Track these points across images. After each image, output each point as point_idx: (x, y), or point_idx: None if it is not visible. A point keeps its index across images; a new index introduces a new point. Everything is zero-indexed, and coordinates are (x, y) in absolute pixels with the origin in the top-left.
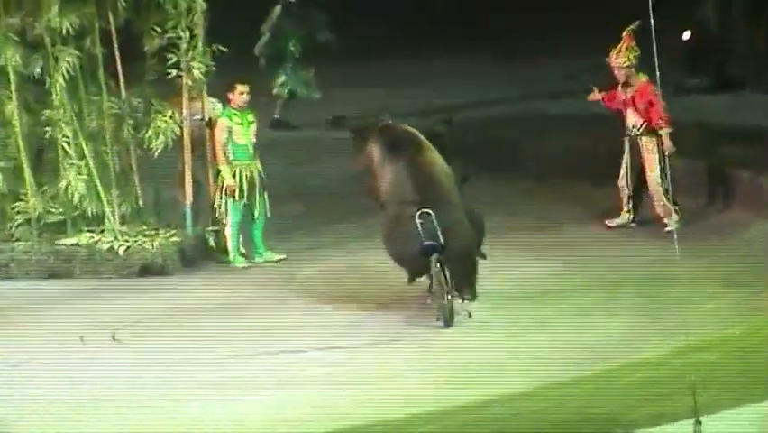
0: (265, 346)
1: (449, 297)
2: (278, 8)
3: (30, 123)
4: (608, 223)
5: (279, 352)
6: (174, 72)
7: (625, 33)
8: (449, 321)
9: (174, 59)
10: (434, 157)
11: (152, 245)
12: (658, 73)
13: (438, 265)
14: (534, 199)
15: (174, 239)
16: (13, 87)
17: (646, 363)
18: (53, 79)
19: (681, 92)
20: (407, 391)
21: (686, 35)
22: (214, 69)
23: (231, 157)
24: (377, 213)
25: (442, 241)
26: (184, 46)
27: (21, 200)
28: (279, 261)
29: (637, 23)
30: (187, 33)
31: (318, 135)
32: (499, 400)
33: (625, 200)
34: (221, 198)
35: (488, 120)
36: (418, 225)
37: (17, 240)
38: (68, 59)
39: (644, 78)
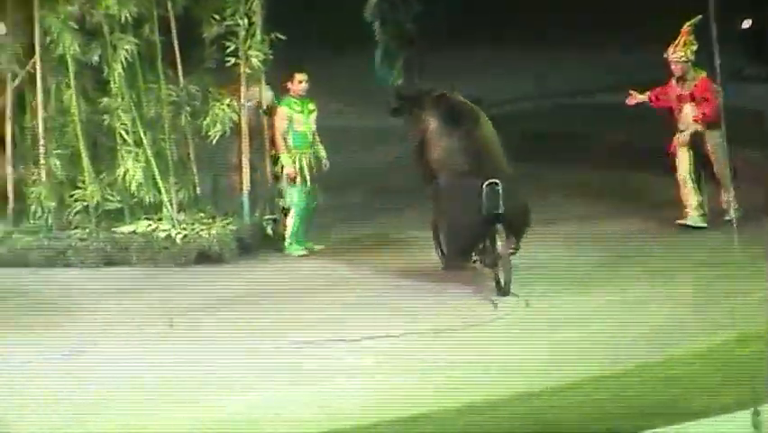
0: (320, 335)
1: (506, 266)
2: None
3: (88, 110)
4: (680, 222)
5: (333, 340)
6: (232, 60)
7: (684, 28)
8: (507, 290)
9: (232, 47)
10: (491, 129)
11: (209, 233)
12: (718, 62)
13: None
14: (589, 190)
15: (231, 227)
16: (71, 75)
17: (701, 353)
18: (111, 67)
19: (739, 80)
20: (457, 381)
21: (746, 23)
22: (271, 56)
23: (290, 144)
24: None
25: (502, 210)
26: (242, 34)
27: (78, 188)
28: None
29: (698, 17)
30: (246, 21)
31: None
32: (549, 392)
33: (692, 196)
34: (284, 185)
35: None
36: (483, 196)
37: (75, 228)
38: (127, 46)
39: (702, 73)
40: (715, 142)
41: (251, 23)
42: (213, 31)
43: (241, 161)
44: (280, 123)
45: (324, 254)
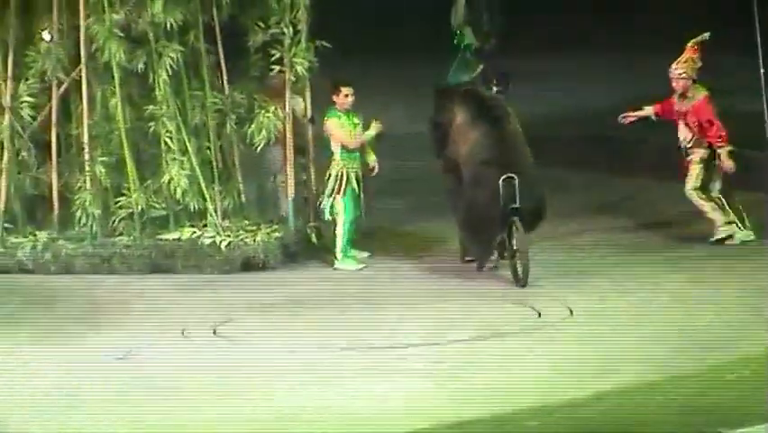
0: (366, 340)
1: (524, 257)
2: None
3: (133, 118)
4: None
5: (380, 346)
6: (277, 68)
7: (689, 45)
8: (525, 282)
9: (277, 55)
10: (516, 125)
11: (254, 240)
12: (762, 71)
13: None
14: (640, 197)
15: (276, 234)
16: (116, 83)
17: (750, 359)
18: (157, 75)
19: None
20: (509, 385)
21: None
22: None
23: (337, 158)
24: None
25: (518, 204)
26: (287, 42)
27: (124, 195)
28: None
29: (706, 35)
30: (291, 29)
31: None
32: (602, 397)
33: (714, 212)
34: (333, 195)
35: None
36: (501, 189)
37: (120, 234)
38: (172, 54)
39: (703, 93)
40: (695, 160)
41: (296, 32)
42: (258, 38)
43: (286, 168)
44: (339, 131)
45: (374, 262)
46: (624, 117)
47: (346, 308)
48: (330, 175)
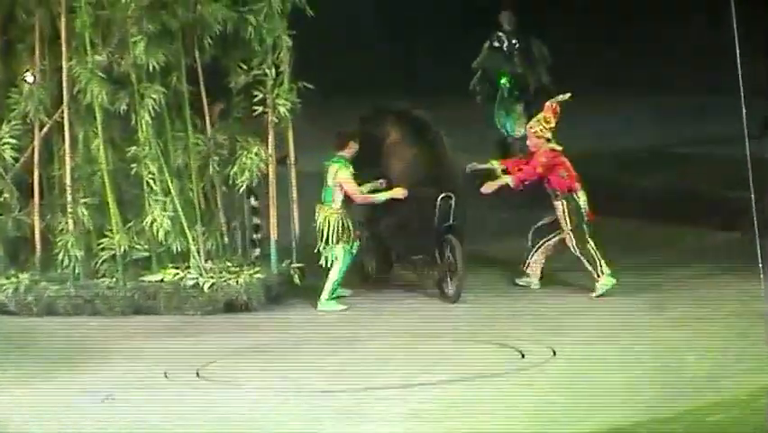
0: (347, 382)
1: (461, 275)
2: (486, 45)
3: (115, 159)
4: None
5: (361, 388)
6: (260, 109)
7: (548, 103)
8: (457, 298)
9: (260, 96)
10: (447, 145)
11: (237, 282)
12: (744, 111)
13: (446, 244)
14: (630, 239)
15: (259, 276)
16: (99, 124)
17: (733, 401)
18: (139, 116)
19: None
20: (492, 429)
21: None
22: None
23: (338, 206)
24: None
25: (453, 222)
26: (270, 83)
27: (106, 237)
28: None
29: (567, 95)
30: (273, 70)
31: None
32: None
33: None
34: (335, 243)
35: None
36: (437, 207)
37: (102, 276)
38: (154, 95)
39: (548, 146)
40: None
41: (278, 73)
42: (240, 80)
43: (269, 210)
44: (352, 185)
45: (348, 302)
46: (472, 168)
47: (327, 350)
48: (329, 223)
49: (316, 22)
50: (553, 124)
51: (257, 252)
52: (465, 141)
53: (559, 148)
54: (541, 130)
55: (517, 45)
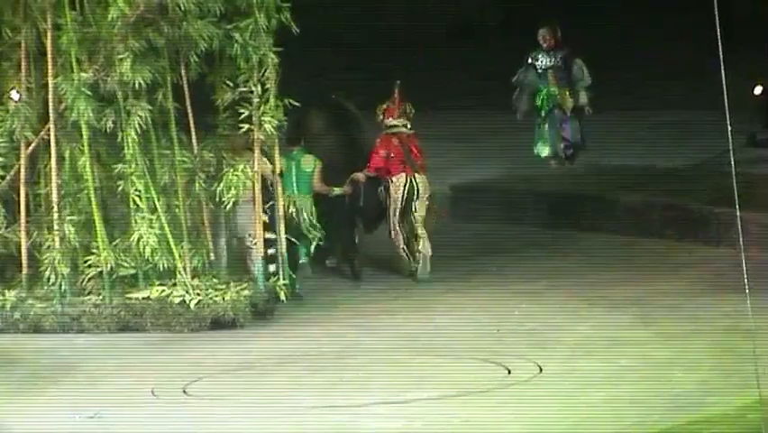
0: (339, 399)
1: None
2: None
3: (102, 177)
4: None
5: (347, 405)
6: (246, 126)
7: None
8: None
9: (246, 114)
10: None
11: (224, 299)
12: (729, 128)
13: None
14: (612, 253)
15: (245, 292)
16: (85, 141)
17: (719, 417)
18: (125, 133)
19: (755, 144)
20: None
21: (758, 90)
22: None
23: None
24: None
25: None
26: (256, 100)
27: (93, 254)
28: None
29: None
30: (259, 87)
31: None
32: None
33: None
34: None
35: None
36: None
37: (89, 293)
38: (140, 113)
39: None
40: None
41: (264, 90)
42: (226, 97)
43: (256, 226)
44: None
45: (334, 319)
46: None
47: (314, 366)
48: (312, 210)
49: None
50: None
51: (272, 267)
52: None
53: (399, 131)
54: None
55: (552, 63)
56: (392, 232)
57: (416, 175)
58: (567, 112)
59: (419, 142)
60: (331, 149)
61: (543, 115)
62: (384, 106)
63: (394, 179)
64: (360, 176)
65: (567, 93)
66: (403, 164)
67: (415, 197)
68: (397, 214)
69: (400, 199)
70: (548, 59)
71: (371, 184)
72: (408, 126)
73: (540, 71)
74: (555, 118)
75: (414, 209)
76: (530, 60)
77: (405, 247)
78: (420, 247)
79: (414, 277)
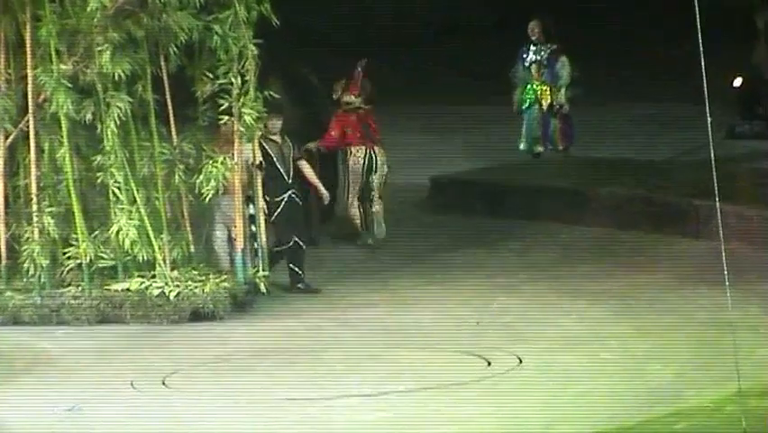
0: (311, 391)
1: None
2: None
3: (81, 168)
4: None
5: (325, 397)
6: (226, 118)
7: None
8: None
9: (225, 105)
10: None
11: (203, 291)
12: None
13: None
14: (591, 246)
15: (225, 284)
16: (64, 133)
17: (698, 409)
18: (105, 125)
19: (733, 137)
20: None
21: (737, 82)
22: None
23: None
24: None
25: None
26: (235, 92)
27: (72, 246)
28: None
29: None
30: (239, 79)
31: None
32: None
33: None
34: None
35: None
36: None
37: (68, 285)
38: (120, 104)
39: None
40: None
41: (244, 81)
42: (206, 89)
43: (235, 219)
44: None
45: (314, 311)
46: None
47: (292, 359)
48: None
49: None
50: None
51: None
52: None
53: (356, 109)
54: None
55: (538, 59)
56: (349, 205)
57: (375, 148)
58: (545, 108)
59: (375, 118)
60: (289, 119)
61: (524, 109)
62: (342, 82)
63: (353, 149)
64: (312, 146)
65: (548, 89)
66: (362, 138)
67: (374, 169)
68: (357, 187)
69: (360, 171)
70: (535, 55)
71: (328, 158)
72: (366, 104)
73: (527, 66)
74: (534, 114)
75: (372, 181)
76: (522, 55)
77: (362, 220)
78: (374, 210)
79: (372, 242)
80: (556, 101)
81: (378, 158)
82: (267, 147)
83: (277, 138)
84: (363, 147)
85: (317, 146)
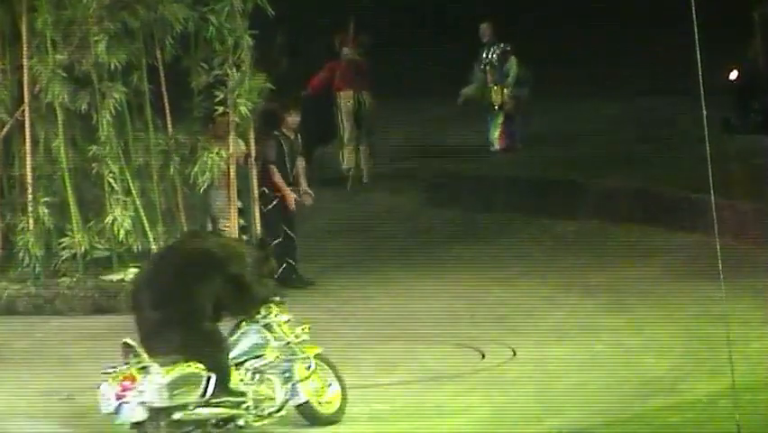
0: None
1: None
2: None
3: (76, 159)
4: None
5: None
6: (221, 109)
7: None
8: None
9: (221, 96)
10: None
11: None
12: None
13: None
14: (586, 239)
15: None
16: (60, 124)
17: (692, 403)
18: (100, 115)
19: (729, 131)
20: (454, 429)
21: (733, 75)
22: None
23: None
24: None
25: None
26: (231, 83)
27: (67, 236)
28: None
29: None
30: (234, 70)
31: None
32: None
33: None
34: None
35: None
36: None
37: (63, 275)
38: (116, 95)
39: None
40: None
41: (240, 73)
42: (201, 80)
43: (230, 209)
44: None
45: (309, 304)
46: None
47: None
48: None
49: None
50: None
51: None
52: None
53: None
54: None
55: (490, 59)
56: (345, 147)
57: (363, 92)
58: (496, 107)
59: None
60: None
61: (482, 107)
62: (341, 35)
63: (342, 94)
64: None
65: (498, 89)
66: (351, 83)
67: (361, 111)
68: (349, 126)
69: (350, 112)
70: (488, 55)
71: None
72: (360, 56)
73: (482, 66)
74: (487, 113)
75: (361, 120)
76: (482, 55)
77: (356, 157)
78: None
79: (367, 179)
80: (504, 100)
81: (366, 101)
82: (282, 142)
83: (290, 134)
84: (351, 91)
85: (305, 94)
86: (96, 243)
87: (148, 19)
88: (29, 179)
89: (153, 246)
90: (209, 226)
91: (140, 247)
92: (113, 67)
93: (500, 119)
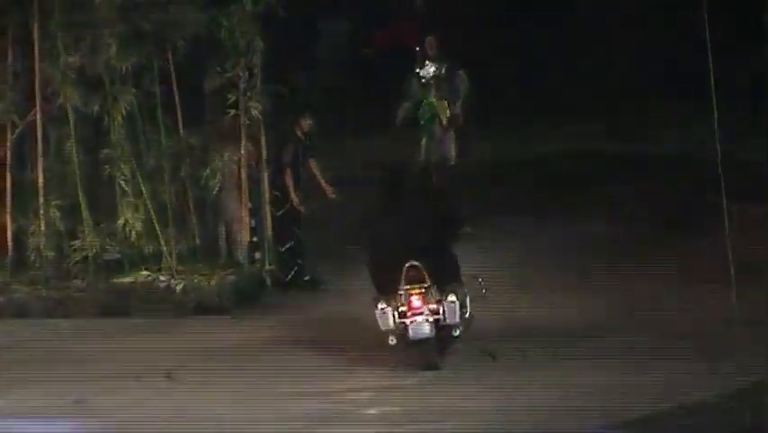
0: (324, 385)
1: None
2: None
3: (88, 161)
4: None
5: (332, 391)
6: (233, 111)
7: None
8: None
9: (233, 99)
10: None
11: (209, 284)
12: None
13: None
14: (591, 240)
15: (230, 277)
16: (71, 126)
17: (703, 404)
18: (112, 118)
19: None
20: None
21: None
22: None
23: None
24: None
25: None
26: (243, 85)
27: (78, 238)
28: None
29: None
30: (246, 73)
31: None
32: None
33: None
34: None
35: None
36: None
37: (74, 278)
38: (127, 97)
39: None
40: None
41: (251, 75)
42: (213, 82)
43: (241, 212)
44: None
45: (319, 305)
46: None
47: (298, 353)
48: None
49: None
50: None
51: (257, 255)
52: None
53: None
54: None
55: (435, 74)
56: None
57: None
58: (444, 123)
59: None
60: None
61: (422, 125)
62: None
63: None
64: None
65: (446, 104)
66: None
67: None
68: None
69: None
70: (432, 70)
71: None
72: None
73: (424, 81)
74: (432, 129)
75: None
76: (417, 70)
77: None
78: None
79: None
80: (453, 114)
81: None
82: (296, 146)
83: (303, 137)
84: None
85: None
86: (108, 245)
87: (159, 22)
88: (40, 181)
89: (164, 249)
90: (222, 229)
91: (151, 250)
92: (124, 69)
93: (450, 135)
